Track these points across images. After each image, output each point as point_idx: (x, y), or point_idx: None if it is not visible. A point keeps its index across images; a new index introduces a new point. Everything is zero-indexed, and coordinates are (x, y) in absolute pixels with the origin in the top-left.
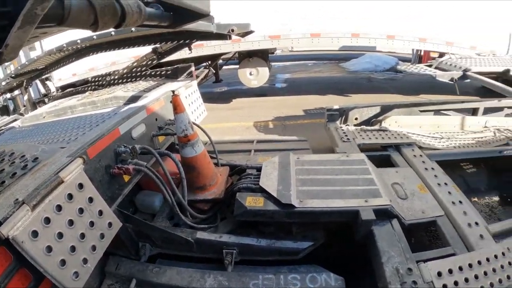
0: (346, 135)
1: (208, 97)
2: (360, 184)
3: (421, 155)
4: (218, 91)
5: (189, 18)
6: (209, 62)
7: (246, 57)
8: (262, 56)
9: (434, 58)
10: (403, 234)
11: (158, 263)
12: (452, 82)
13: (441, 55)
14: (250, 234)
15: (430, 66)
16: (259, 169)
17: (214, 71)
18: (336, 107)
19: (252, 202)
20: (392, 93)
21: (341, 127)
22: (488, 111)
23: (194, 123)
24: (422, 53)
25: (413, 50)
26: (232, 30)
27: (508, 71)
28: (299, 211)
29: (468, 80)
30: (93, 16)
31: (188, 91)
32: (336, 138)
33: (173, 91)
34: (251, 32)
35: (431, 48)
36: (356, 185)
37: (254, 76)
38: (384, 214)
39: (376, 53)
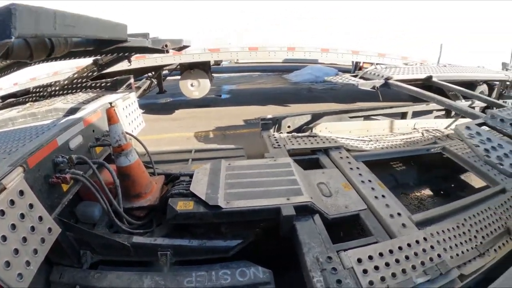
0: (277, 142)
1: (152, 108)
2: (284, 184)
3: (347, 157)
4: (162, 102)
5: (109, 44)
6: (153, 72)
7: (188, 69)
8: (203, 68)
9: None
10: (324, 227)
11: (99, 269)
12: (374, 90)
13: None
14: (183, 236)
15: (356, 76)
16: (191, 176)
17: (157, 82)
18: (269, 116)
19: (183, 206)
20: (330, 102)
21: (273, 135)
22: (417, 114)
23: (130, 134)
24: (361, 64)
25: (352, 62)
26: (166, 46)
27: (430, 77)
28: (226, 212)
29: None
30: (29, 51)
31: (125, 103)
32: (268, 144)
33: (110, 103)
34: (186, 47)
35: (364, 60)
36: (280, 185)
37: (196, 87)
38: (306, 210)
39: (317, 65)
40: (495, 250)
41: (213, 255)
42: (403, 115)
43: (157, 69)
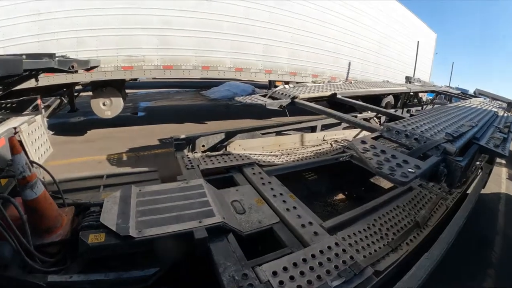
0: (190, 163)
1: (62, 128)
2: (196, 207)
3: (260, 172)
4: (73, 121)
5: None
6: (64, 89)
7: (100, 87)
8: (116, 85)
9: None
10: (237, 245)
11: None
12: (281, 109)
13: (286, 83)
14: (100, 270)
15: (265, 95)
16: (102, 205)
17: (68, 100)
18: (183, 136)
19: (95, 239)
20: (247, 118)
21: (187, 155)
22: (327, 127)
23: (35, 163)
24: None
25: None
26: (73, 67)
27: (334, 94)
28: (138, 241)
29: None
30: None
31: (31, 127)
32: (181, 166)
33: (14, 128)
34: (94, 67)
35: (276, 78)
36: (192, 208)
37: (108, 106)
38: (219, 231)
39: (235, 82)
40: (407, 243)
41: (132, 286)
42: (313, 129)
43: (69, 86)
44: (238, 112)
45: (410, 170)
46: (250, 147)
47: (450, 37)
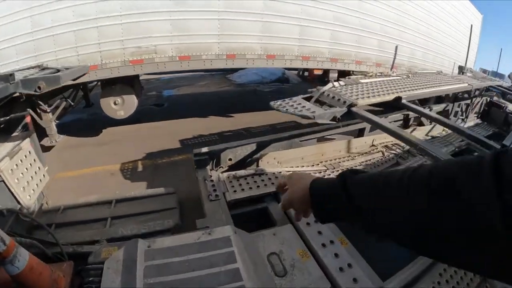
0: (214, 189)
1: (76, 128)
2: (222, 279)
3: None
4: (88, 118)
5: None
6: (71, 90)
7: (110, 84)
8: (128, 81)
9: (317, 76)
10: None
11: None
12: (335, 122)
13: (326, 72)
14: None
15: (309, 98)
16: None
17: (83, 94)
18: (205, 149)
19: None
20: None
21: (211, 176)
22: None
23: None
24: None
25: None
26: (39, 88)
27: (399, 98)
28: None
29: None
30: None
31: (16, 159)
32: (203, 195)
33: None
34: (78, 78)
35: (314, 66)
36: (217, 280)
37: (120, 105)
38: None
39: None
40: None
41: None
42: (360, 131)
43: (75, 86)
44: (268, 100)
45: None
46: (287, 160)
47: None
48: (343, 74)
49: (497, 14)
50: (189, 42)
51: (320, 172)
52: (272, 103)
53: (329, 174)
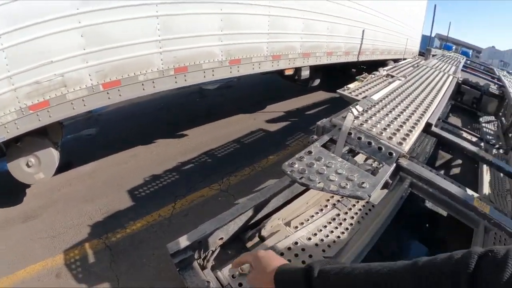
0: None
1: None
2: None
3: None
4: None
5: None
6: None
7: (13, 142)
8: (38, 130)
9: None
10: None
11: None
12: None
13: (297, 70)
14: None
15: (329, 145)
16: None
17: None
18: (184, 242)
19: None
20: (238, 113)
21: (208, 283)
22: None
23: None
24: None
25: None
26: None
27: (429, 125)
28: None
29: None
30: None
31: None
32: None
33: None
34: None
35: (286, 66)
36: None
37: (36, 166)
38: None
39: None
40: None
41: None
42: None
43: None
44: (221, 103)
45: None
46: (292, 214)
47: None
48: (315, 70)
49: None
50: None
51: (334, 220)
52: (286, 169)
53: (345, 219)
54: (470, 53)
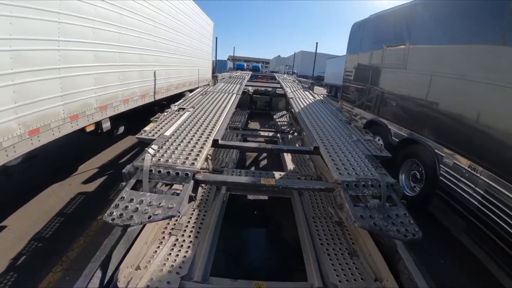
0: None
1: None
2: None
3: None
4: None
5: None
6: None
7: None
8: None
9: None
10: None
11: None
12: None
13: (98, 124)
14: None
15: (137, 187)
16: None
17: None
18: None
19: None
20: (43, 180)
21: None
22: None
23: None
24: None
25: None
26: None
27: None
28: None
29: None
30: None
31: None
32: None
33: None
34: None
35: (86, 123)
36: None
37: None
38: None
39: None
40: None
41: None
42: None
43: None
44: (30, 178)
45: None
46: (140, 256)
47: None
48: (117, 119)
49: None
50: None
51: (175, 245)
52: (107, 219)
53: (184, 240)
54: (260, 65)
